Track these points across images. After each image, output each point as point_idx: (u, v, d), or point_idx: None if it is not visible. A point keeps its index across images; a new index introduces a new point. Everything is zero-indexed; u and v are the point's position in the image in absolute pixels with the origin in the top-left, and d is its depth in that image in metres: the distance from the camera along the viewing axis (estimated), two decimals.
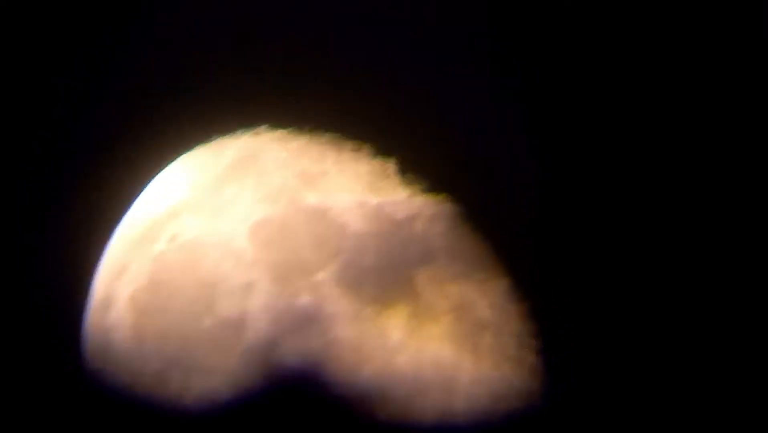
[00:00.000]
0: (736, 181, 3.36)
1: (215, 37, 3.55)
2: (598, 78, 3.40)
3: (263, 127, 3.45)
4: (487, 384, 3.08)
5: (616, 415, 3.21)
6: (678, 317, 3.27)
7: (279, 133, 3.42)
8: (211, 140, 3.48)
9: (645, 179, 3.36)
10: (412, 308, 3.11)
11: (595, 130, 3.39)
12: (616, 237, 3.30)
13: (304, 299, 3.10)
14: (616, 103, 3.39)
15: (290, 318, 3.09)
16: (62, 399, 3.43)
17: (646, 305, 3.26)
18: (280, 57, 3.51)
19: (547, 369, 3.14)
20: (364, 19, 3.47)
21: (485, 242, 3.20)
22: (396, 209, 3.21)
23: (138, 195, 3.46)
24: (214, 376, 3.11)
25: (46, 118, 3.58)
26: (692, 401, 3.26)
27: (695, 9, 3.37)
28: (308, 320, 3.08)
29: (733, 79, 3.38)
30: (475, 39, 3.45)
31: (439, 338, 3.09)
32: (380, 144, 3.31)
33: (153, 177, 3.47)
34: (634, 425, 3.22)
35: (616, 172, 3.36)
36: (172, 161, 3.48)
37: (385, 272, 3.13)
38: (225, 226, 3.25)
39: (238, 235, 3.22)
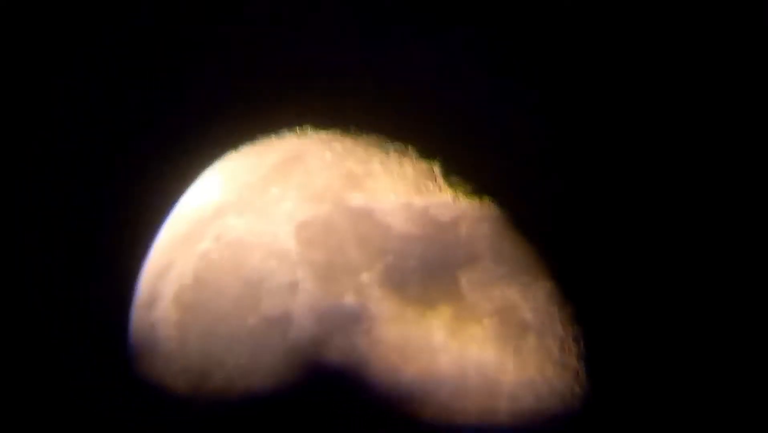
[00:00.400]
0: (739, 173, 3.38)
1: (262, 39, 3.57)
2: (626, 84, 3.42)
3: (308, 128, 3.47)
4: (530, 387, 3.09)
5: (657, 420, 3.22)
6: (720, 319, 3.28)
7: (324, 135, 3.44)
8: (256, 141, 3.50)
9: (674, 183, 3.37)
10: (456, 309, 3.12)
11: (634, 135, 3.40)
12: (660, 242, 3.31)
13: (349, 299, 3.11)
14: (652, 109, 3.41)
15: (334, 318, 3.10)
16: (107, 395, 3.45)
17: (690, 312, 3.27)
18: (326, 59, 3.53)
19: (590, 373, 3.14)
20: (410, 20, 3.48)
21: (529, 245, 3.21)
22: (441, 212, 3.22)
23: (184, 194, 3.48)
24: (258, 374, 3.13)
25: (97, 117, 3.60)
26: (733, 404, 3.27)
27: (695, 8, 3.38)
28: (352, 320, 3.09)
29: (734, 78, 3.39)
30: (518, 45, 3.47)
31: (482, 340, 3.10)
32: (425, 146, 3.32)
33: (199, 176, 3.49)
34: (675, 429, 3.22)
35: (659, 178, 3.38)
36: (218, 161, 3.50)
37: (428, 274, 3.14)
38: (270, 225, 3.26)
39: (283, 234, 3.23)
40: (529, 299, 3.16)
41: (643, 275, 3.28)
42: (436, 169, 3.30)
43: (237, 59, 3.58)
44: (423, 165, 3.31)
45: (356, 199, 3.25)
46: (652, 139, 3.42)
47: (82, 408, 3.47)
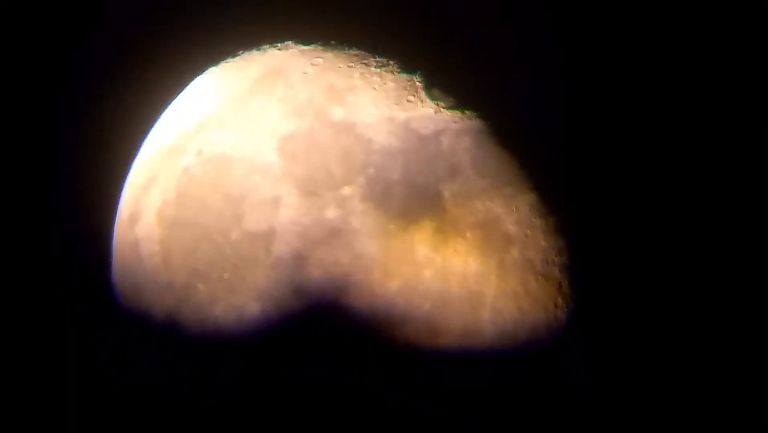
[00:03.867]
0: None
1: None
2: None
3: (289, 42, 3.43)
4: (513, 299, 3.09)
5: (642, 331, 3.23)
6: (705, 237, 3.28)
7: (305, 48, 3.40)
8: (237, 55, 3.47)
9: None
10: (438, 223, 3.11)
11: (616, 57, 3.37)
12: (645, 155, 3.29)
13: (331, 214, 3.11)
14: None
15: (317, 232, 3.10)
16: (90, 313, 3.48)
17: (675, 225, 3.26)
18: None
19: (573, 284, 3.15)
20: None
21: (512, 157, 3.19)
22: (423, 124, 3.19)
23: (165, 109, 3.46)
24: (242, 289, 3.14)
25: (72, 26, 3.56)
26: (715, 329, 3.28)
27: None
28: (335, 234, 3.09)
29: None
30: None
31: (465, 253, 3.09)
32: (406, 58, 3.28)
33: (180, 91, 3.47)
34: (660, 340, 3.24)
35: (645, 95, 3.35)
36: (198, 76, 3.48)
37: (411, 187, 3.12)
38: (252, 140, 3.24)
39: (265, 149, 3.21)
40: (512, 211, 3.15)
41: (628, 187, 3.26)
42: (418, 81, 3.26)
43: None
44: (404, 78, 3.27)
45: (338, 112, 3.22)
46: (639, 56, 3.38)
47: (63, 327, 3.50)
